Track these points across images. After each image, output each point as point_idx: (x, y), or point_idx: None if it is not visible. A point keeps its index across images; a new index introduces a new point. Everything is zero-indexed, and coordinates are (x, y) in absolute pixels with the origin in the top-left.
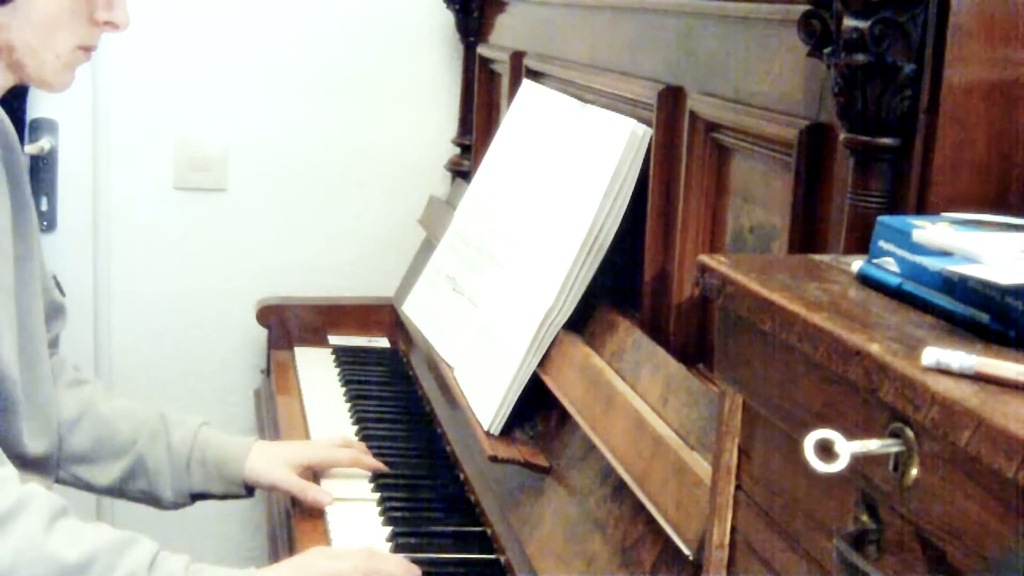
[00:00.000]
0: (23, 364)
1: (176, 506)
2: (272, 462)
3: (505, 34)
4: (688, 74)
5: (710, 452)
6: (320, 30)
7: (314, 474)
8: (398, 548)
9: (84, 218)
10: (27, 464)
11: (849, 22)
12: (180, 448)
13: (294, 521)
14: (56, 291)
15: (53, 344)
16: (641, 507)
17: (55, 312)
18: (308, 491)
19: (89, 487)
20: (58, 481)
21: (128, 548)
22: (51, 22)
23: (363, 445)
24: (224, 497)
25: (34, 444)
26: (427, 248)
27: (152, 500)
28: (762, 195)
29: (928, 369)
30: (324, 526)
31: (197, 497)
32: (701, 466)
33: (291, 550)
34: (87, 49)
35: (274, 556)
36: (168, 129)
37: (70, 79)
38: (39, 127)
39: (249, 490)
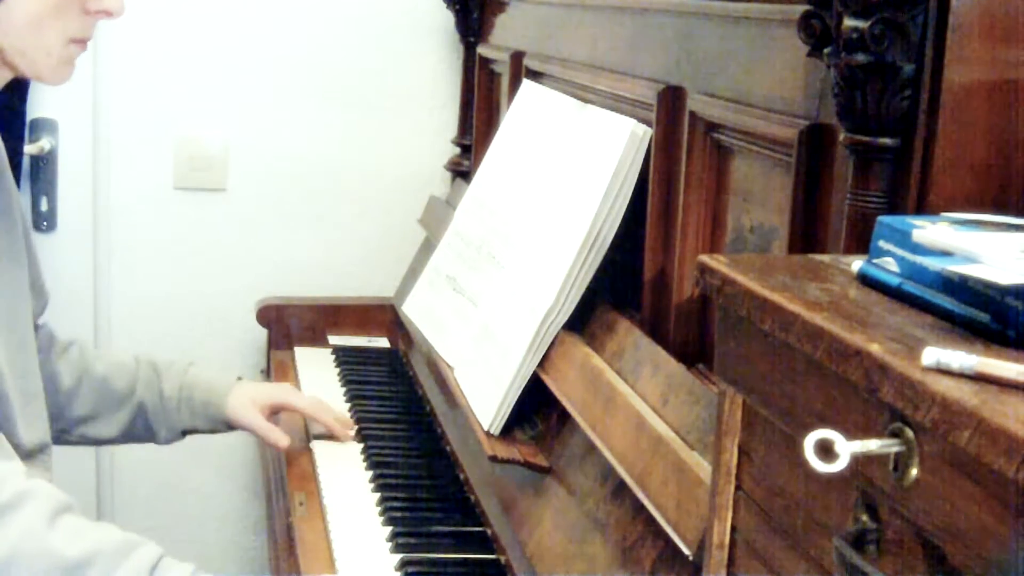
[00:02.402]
0: (11, 357)
1: (168, 441)
2: (245, 404)
3: (505, 34)
4: (688, 74)
5: (710, 452)
6: (320, 30)
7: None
8: (398, 548)
9: (84, 218)
10: (24, 456)
11: (849, 22)
12: (171, 392)
13: (295, 521)
14: (45, 287)
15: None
16: (641, 507)
17: (44, 306)
18: (270, 434)
19: (97, 442)
20: (66, 443)
21: (132, 551)
22: (35, 22)
23: (345, 416)
24: (210, 432)
25: (28, 436)
26: (427, 248)
27: (149, 438)
28: (762, 195)
29: (928, 369)
30: (324, 526)
31: (186, 432)
32: (701, 466)
33: (291, 550)
34: (82, 41)
35: (274, 556)
36: (168, 129)
37: (68, 72)
38: (39, 127)
39: (230, 427)
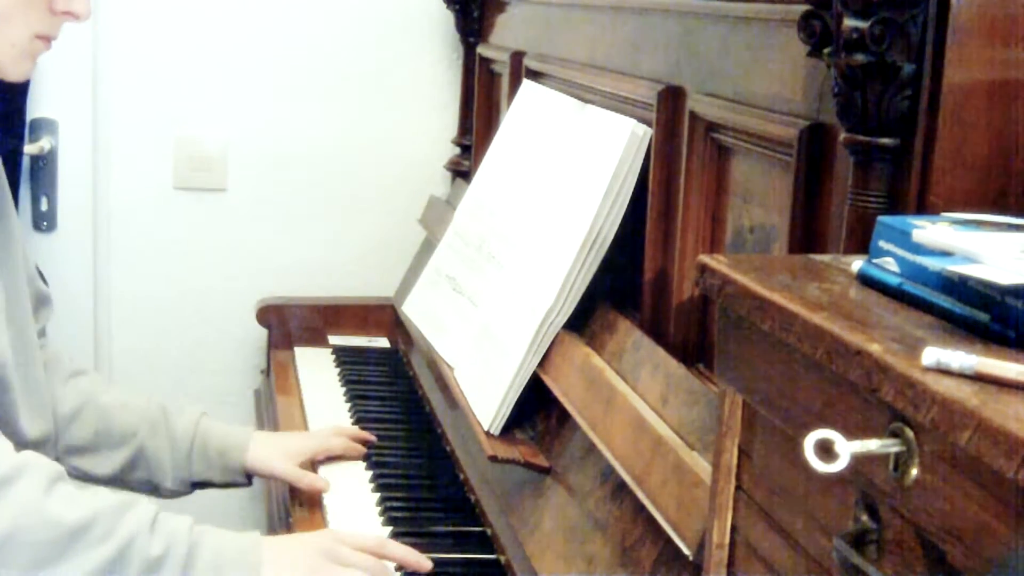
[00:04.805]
0: (14, 347)
1: (175, 495)
2: (271, 453)
3: (505, 34)
4: (688, 74)
5: (710, 452)
6: (320, 30)
7: (313, 466)
8: None
9: (84, 218)
10: (25, 447)
11: (849, 22)
12: (181, 439)
13: (294, 520)
14: (40, 281)
15: (42, 334)
16: (641, 507)
17: (42, 301)
18: (305, 479)
19: (89, 478)
20: None
21: (129, 509)
22: (3, 13)
23: (355, 429)
24: (225, 486)
25: (31, 426)
26: (427, 248)
27: (152, 489)
28: (762, 195)
29: (928, 369)
30: (325, 526)
31: (197, 485)
32: (701, 466)
33: None
34: (46, 39)
35: None
36: (168, 129)
37: (30, 68)
38: (39, 127)
39: (248, 478)
